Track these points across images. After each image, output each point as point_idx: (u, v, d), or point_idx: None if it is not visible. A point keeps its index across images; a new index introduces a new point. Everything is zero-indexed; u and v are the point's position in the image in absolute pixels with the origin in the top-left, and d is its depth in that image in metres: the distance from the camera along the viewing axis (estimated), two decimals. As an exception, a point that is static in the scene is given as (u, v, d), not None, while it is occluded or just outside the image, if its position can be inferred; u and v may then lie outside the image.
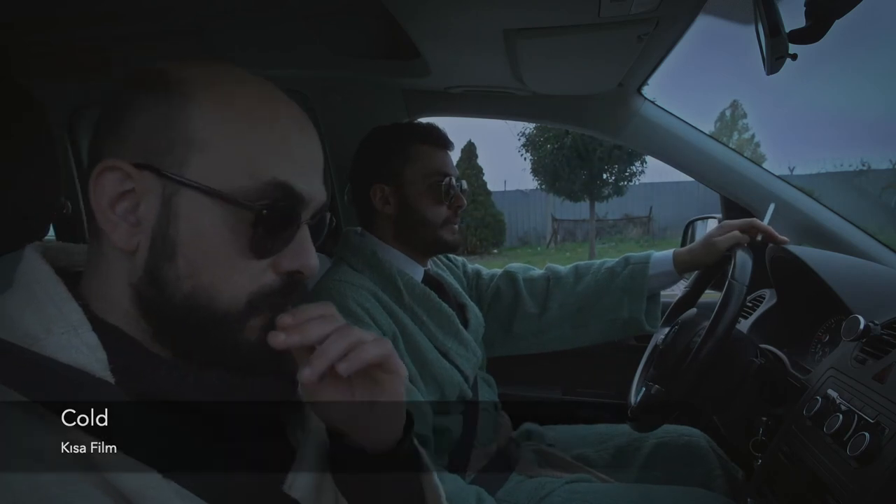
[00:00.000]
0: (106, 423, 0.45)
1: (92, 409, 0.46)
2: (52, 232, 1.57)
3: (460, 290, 1.38)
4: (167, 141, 0.50)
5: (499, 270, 1.51)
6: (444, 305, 1.23)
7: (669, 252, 1.34)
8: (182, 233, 0.50)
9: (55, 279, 0.50)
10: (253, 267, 0.52)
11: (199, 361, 0.53)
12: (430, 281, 1.29)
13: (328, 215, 0.60)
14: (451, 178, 1.22)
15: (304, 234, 0.54)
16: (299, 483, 0.57)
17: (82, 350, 0.47)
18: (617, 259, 1.40)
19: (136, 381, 0.49)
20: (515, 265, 1.51)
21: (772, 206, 1.31)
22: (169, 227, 0.50)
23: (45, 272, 0.51)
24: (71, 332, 0.47)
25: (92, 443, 0.44)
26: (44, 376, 0.45)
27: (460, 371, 1.21)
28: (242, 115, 0.51)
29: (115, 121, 0.52)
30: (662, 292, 1.39)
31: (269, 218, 0.50)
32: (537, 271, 1.47)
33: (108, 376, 0.47)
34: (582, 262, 1.45)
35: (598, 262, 1.43)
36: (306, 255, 0.54)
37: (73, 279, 0.53)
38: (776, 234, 1.23)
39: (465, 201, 1.25)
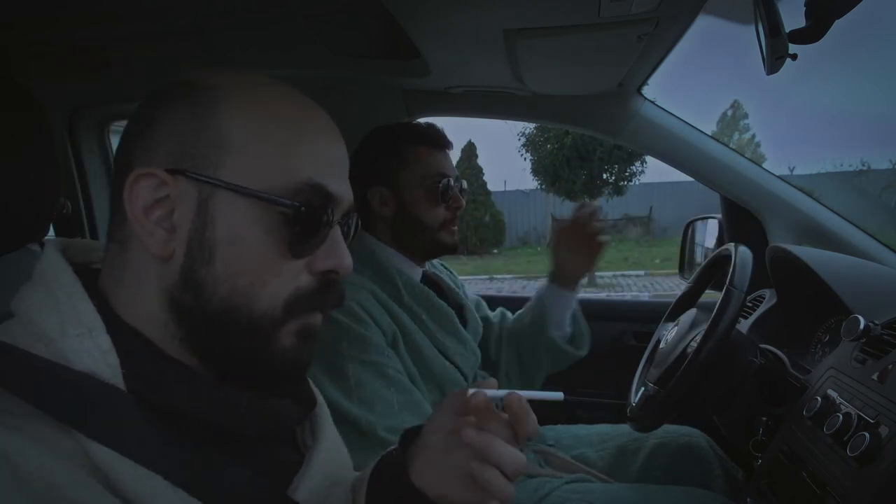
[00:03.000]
0: (112, 429, 0.45)
1: (97, 415, 0.45)
2: (52, 232, 1.57)
3: (458, 290, 1.38)
4: (199, 145, 0.50)
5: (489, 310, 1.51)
6: (444, 304, 1.23)
7: (544, 283, 1.36)
8: (219, 236, 0.50)
9: (73, 279, 0.50)
10: (289, 268, 0.52)
11: (225, 369, 0.53)
12: (429, 281, 1.29)
13: (355, 216, 0.61)
14: (449, 180, 1.21)
15: (337, 233, 0.55)
16: (304, 488, 0.57)
17: (94, 354, 0.47)
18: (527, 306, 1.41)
19: (149, 386, 0.49)
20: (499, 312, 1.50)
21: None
22: (205, 231, 0.50)
23: (64, 270, 0.51)
24: (85, 334, 0.47)
25: (97, 448, 0.44)
26: (47, 382, 0.45)
27: (459, 370, 1.21)
28: (272, 117, 0.52)
29: (144, 130, 0.52)
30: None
31: (305, 216, 0.51)
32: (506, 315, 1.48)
33: (118, 381, 0.47)
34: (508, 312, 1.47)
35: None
36: (340, 254, 0.54)
37: (91, 276, 0.54)
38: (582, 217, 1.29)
39: (464, 202, 1.25)
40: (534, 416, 0.56)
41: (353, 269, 0.55)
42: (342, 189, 0.55)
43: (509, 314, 1.49)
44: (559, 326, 1.35)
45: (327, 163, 0.54)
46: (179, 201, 0.50)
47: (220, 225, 0.50)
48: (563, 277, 1.34)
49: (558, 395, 0.58)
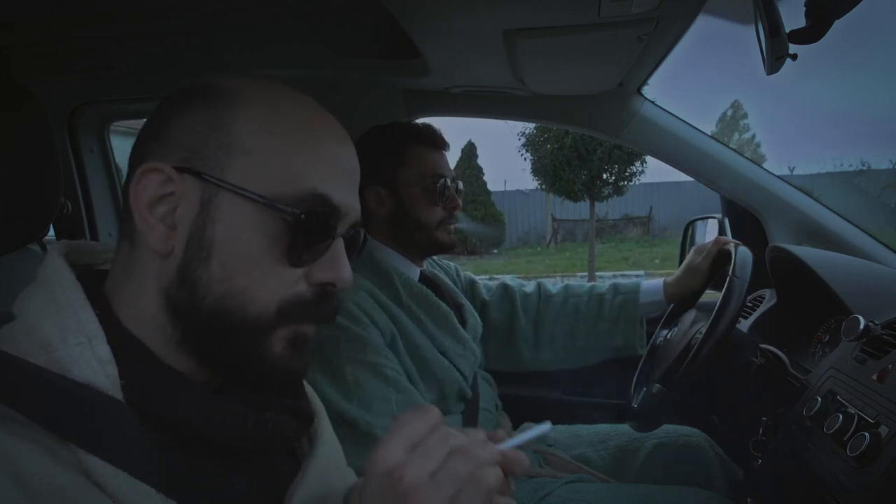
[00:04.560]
0: (107, 440, 0.45)
1: (93, 426, 0.45)
2: (52, 232, 1.57)
3: (456, 290, 1.38)
4: (209, 146, 0.51)
5: (491, 282, 1.53)
6: (442, 304, 1.23)
7: (659, 282, 1.40)
8: (219, 235, 0.50)
9: (75, 284, 0.50)
10: (287, 275, 0.52)
11: (221, 371, 0.53)
12: (427, 280, 1.29)
13: (362, 230, 0.60)
14: (446, 180, 1.22)
15: (339, 246, 0.54)
16: (299, 497, 0.56)
17: (93, 364, 0.47)
18: (606, 286, 1.45)
19: (147, 397, 0.49)
20: (510, 279, 1.53)
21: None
22: (206, 230, 0.50)
23: (67, 277, 0.50)
24: (85, 343, 0.47)
25: (92, 459, 0.44)
26: (44, 394, 0.45)
27: (458, 370, 1.21)
28: (284, 123, 0.52)
29: (159, 128, 0.53)
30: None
31: (305, 225, 0.51)
32: (530, 287, 1.50)
33: (116, 392, 0.47)
34: (572, 284, 1.50)
35: (586, 285, 1.48)
36: (340, 268, 0.54)
37: (94, 277, 0.54)
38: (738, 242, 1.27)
39: (461, 202, 1.25)
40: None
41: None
42: (348, 200, 0.55)
43: (524, 285, 1.51)
44: (640, 323, 1.41)
45: (335, 173, 0.54)
46: (183, 199, 0.50)
47: (221, 225, 0.50)
48: (680, 291, 1.36)
49: (545, 429, 0.54)
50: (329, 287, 0.54)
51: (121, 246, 0.54)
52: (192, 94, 0.53)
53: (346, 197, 0.54)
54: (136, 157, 0.53)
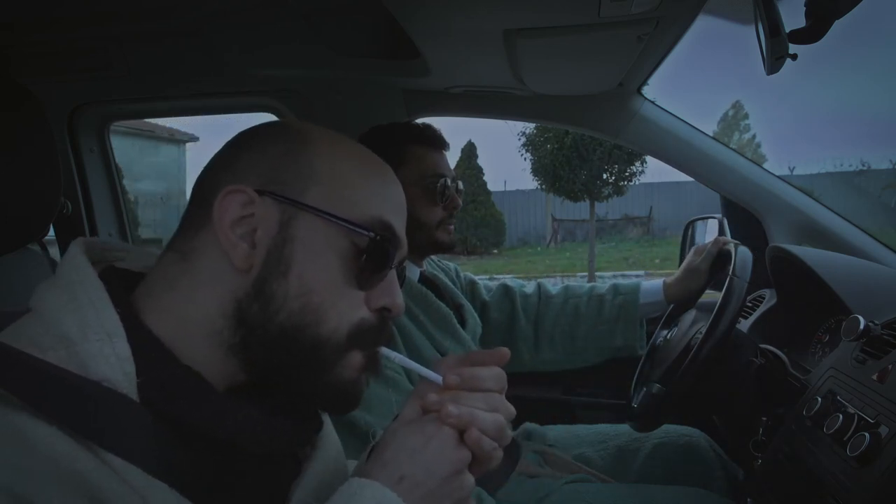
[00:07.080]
0: (120, 437, 0.46)
1: (106, 423, 0.46)
2: (52, 232, 1.57)
3: (456, 290, 1.38)
4: (287, 173, 0.55)
5: (491, 282, 1.54)
6: (442, 305, 1.23)
7: (659, 282, 1.40)
8: (297, 253, 0.53)
9: (98, 282, 0.51)
10: (354, 297, 0.55)
11: (270, 382, 0.55)
12: (427, 281, 1.29)
13: (405, 268, 0.64)
14: (446, 180, 1.22)
15: (394, 275, 0.59)
16: (301, 495, 0.57)
17: (111, 360, 0.47)
18: (606, 287, 1.46)
19: (162, 397, 0.49)
20: (510, 279, 1.53)
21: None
22: (284, 248, 0.53)
23: (89, 275, 0.51)
24: (105, 340, 0.48)
25: (107, 455, 0.45)
26: (59, 391, 0.45)
27: (459, 371, 1.21)
28: (355, 162, 0.58)
29: (234, 156, 0.57)
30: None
31: (375, 248, 0.55)
32: (530, 288, 1.51)
33: (132, 390, 0.47)
34: (572, 284, 1.51)
35: (586, 286, 1.48)
36: (396, 294, 0.58)
37: (113, 275, 0.55)
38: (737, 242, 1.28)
39: (461, 202, 1.25)
40: (494, 370, 0.63)
41: None
42: (403, 236, 0.60)
43: (524, 286, 1.51)
44: (640, 323, 1.41)
45: (396, 209, 0.59)
46: (262, 220, 0.53)
47: (299, 244, 0.53)
48: (680, 291, 1.36)
49: (437, 378, 0.58)
50: (385, 312, 0.58)
51: (167, 256, 0.56)
52: (259, 133, 0.58)
53: (402, 232, 0.60)
54: (210, 181, 0.56)
